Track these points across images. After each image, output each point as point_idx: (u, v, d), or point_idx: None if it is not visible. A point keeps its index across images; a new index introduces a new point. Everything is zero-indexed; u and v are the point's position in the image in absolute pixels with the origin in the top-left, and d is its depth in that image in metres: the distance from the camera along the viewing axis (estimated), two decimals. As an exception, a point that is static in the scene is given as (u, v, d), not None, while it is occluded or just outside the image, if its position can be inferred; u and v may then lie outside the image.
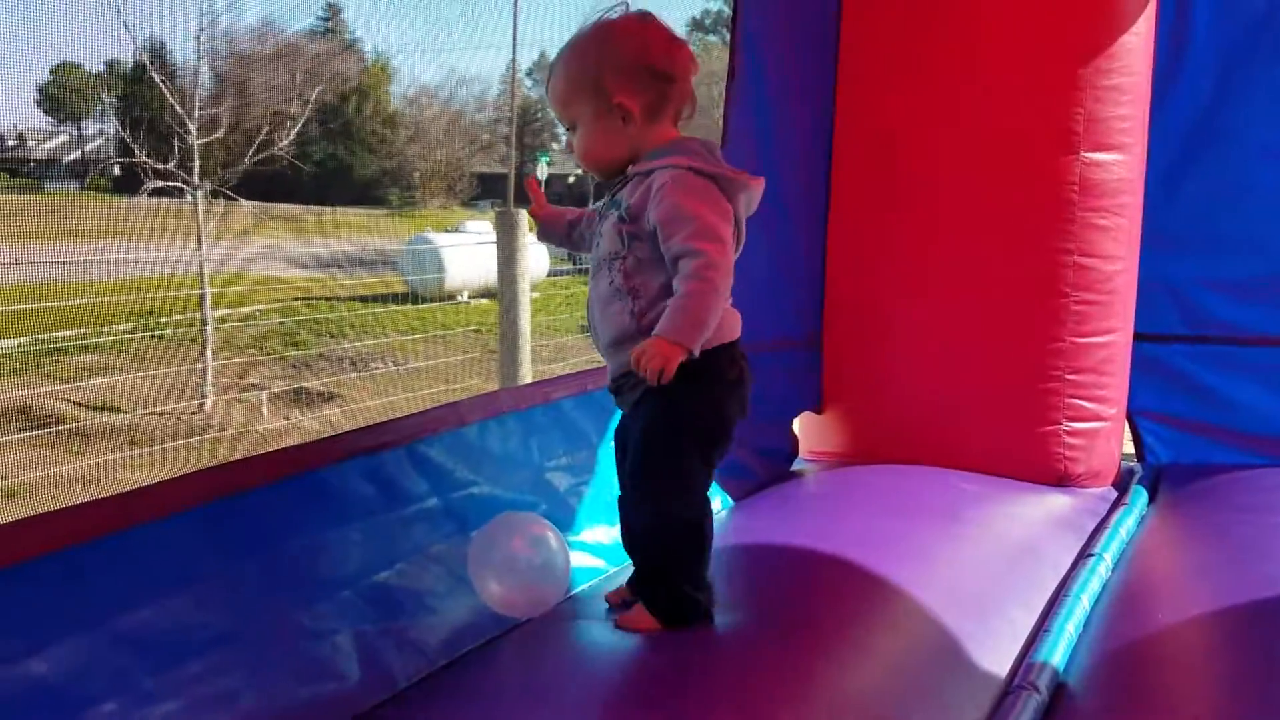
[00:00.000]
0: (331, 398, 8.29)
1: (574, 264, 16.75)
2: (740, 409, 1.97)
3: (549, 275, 14.86)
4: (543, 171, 30.71)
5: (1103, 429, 3.29)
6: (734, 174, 1.89)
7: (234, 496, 1.77)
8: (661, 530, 1.94)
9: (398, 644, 1.93)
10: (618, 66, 1.87)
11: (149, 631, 1.59)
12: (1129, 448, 3.72)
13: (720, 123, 3.11)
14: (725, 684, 1.82)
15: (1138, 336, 3.50)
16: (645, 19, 1.92)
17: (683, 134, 1.97)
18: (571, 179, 44.87)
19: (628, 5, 1.94)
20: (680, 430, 1.90)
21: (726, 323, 1.91)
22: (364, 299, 9.90)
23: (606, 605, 2.11)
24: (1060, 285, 3.17)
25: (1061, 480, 3.25)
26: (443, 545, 2.14)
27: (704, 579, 1.97)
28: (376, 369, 9.10)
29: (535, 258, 8.62)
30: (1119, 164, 3.17)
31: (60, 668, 1.48)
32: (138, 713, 1.53)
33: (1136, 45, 3.18)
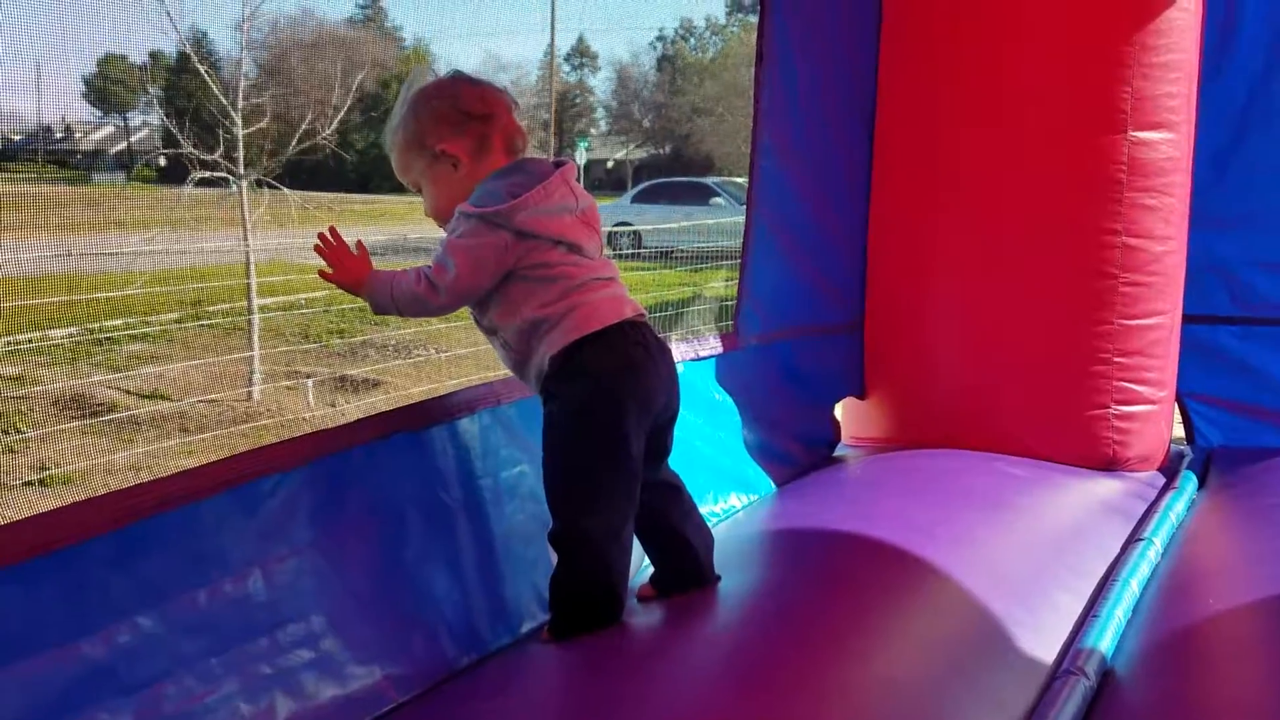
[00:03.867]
0: (375, 385, 8.36)
1: (613, 249, 16.80)
2: (641, 394, 1.93)
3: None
4: (581, 157, 30.73)
5: (1151, 412, 3.25)
6: (506, 207, 1.88)
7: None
8: (560, 536, 1.95)
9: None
10: (435, 119, 1.98)
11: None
12: (1179, 431, 3.68)
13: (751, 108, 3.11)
14: (768, 668, 1.82)
15: (1187, 318, 3.46)
16: (454, 75, 2.05)
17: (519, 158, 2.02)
18: (610, 163, 44.86)
19: (435, 71, 2.08)
20: (569, 434, 1.92)
21: (581, 315, 1.91)
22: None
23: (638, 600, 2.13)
24: (1108, 267, 3.13)
25: (1110, 464, 3.21)
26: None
27: (607, 586, 1.95)
28: (419, 356, 9.17)
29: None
30: (1167, 143, 3.12)
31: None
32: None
33: (1184, 22, 3.12)
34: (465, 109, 1.98)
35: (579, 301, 1.92)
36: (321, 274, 1.99)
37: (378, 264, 2.03)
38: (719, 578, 2.15)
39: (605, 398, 1.90)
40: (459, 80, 2.04)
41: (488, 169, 1.98)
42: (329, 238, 1.98)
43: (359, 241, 2.01)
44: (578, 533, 1.93)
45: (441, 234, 2.00)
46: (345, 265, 1.97)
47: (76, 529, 1.49)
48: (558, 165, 2.00)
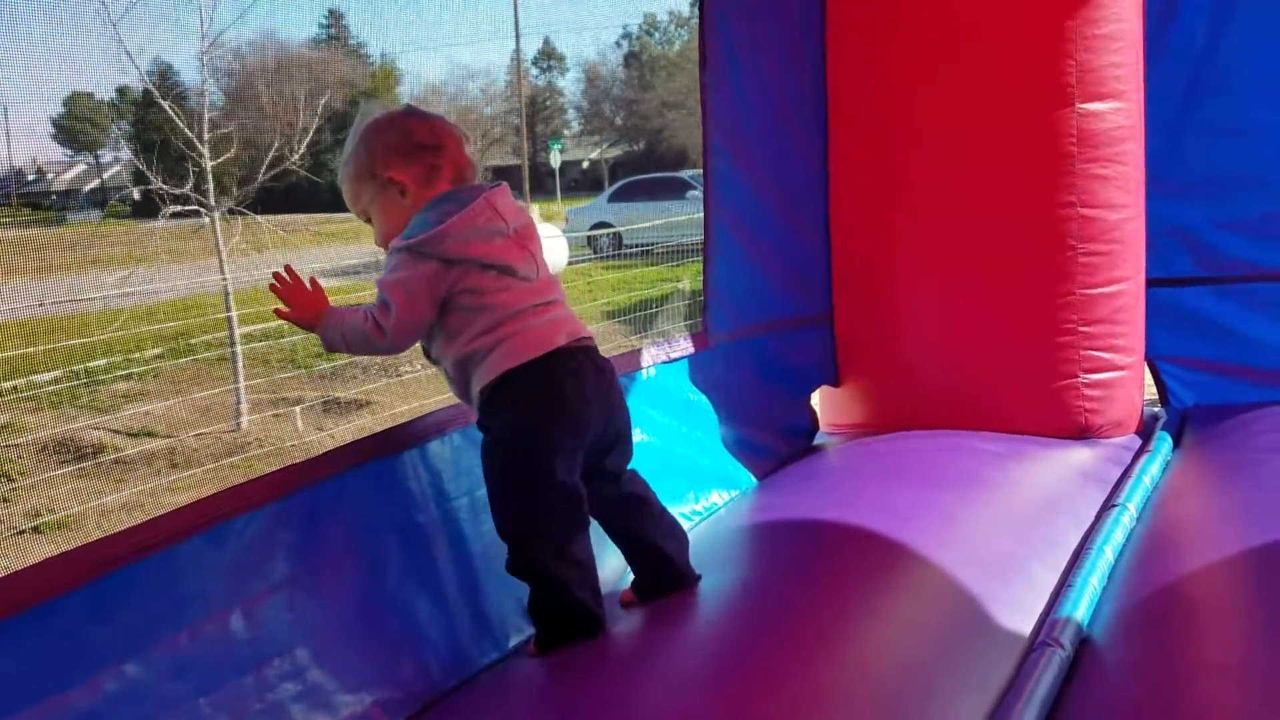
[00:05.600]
0: (363, 405, 8.38)
1: (594, 251, 16.81)
2: (571, 420, 1.96)
3: (569, 264, 14.91)
4: (555, 158, 30.72)
5: (1121, 378, 3.29)
6: (431, 234, 1.91)
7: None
8: (512, 563, 1.99)
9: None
10: (386, 149, 2.01)
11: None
12: (1152, 394, 3.73)
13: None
14: (753, 662, 1.86)
15: (1152, 282, 3.50)
16: (406, 109, 2.09)
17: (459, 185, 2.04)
18: (585, 164, 44.85)
19: (387, 106, 2.11)
20: (500, 464, 1.96)
21: (510, 347, 1.93)
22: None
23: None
24: (1066, 239, 3.17)
25: (1083, 433, 3.26)
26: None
27: (571, 602, 1.99)
28: (405, 373, 9.19)
29: (554, 249, 8.66)
30: (1116, 112, 3.16)
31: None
32: None
33: (1125, -8, 3.16)
34: (416, 140, 2.01)
35: (509, 333, 1.94)
36: (277, 312, 2.02)
37: (356, 282, 2.05)
38: (699, 577, 2.18)
39: (528, 429, 1.94)
40: (411, 114, 2.07)
41: (430, 199, 2.00)
42: (284, 275, 2.00)
43: (313, 278, 2.04)
44: (525, 558, 1.97)
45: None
46: (301, 302, 2.00)
47: (54, 583, 1.51)
48: (492, 189, 2.02)
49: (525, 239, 2.01)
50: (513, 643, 2.16)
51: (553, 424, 1.94)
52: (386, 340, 1.95)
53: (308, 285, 2.01)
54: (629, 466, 2.13)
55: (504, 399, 1.94)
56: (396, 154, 2.00)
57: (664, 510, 2.18)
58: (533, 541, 1.96)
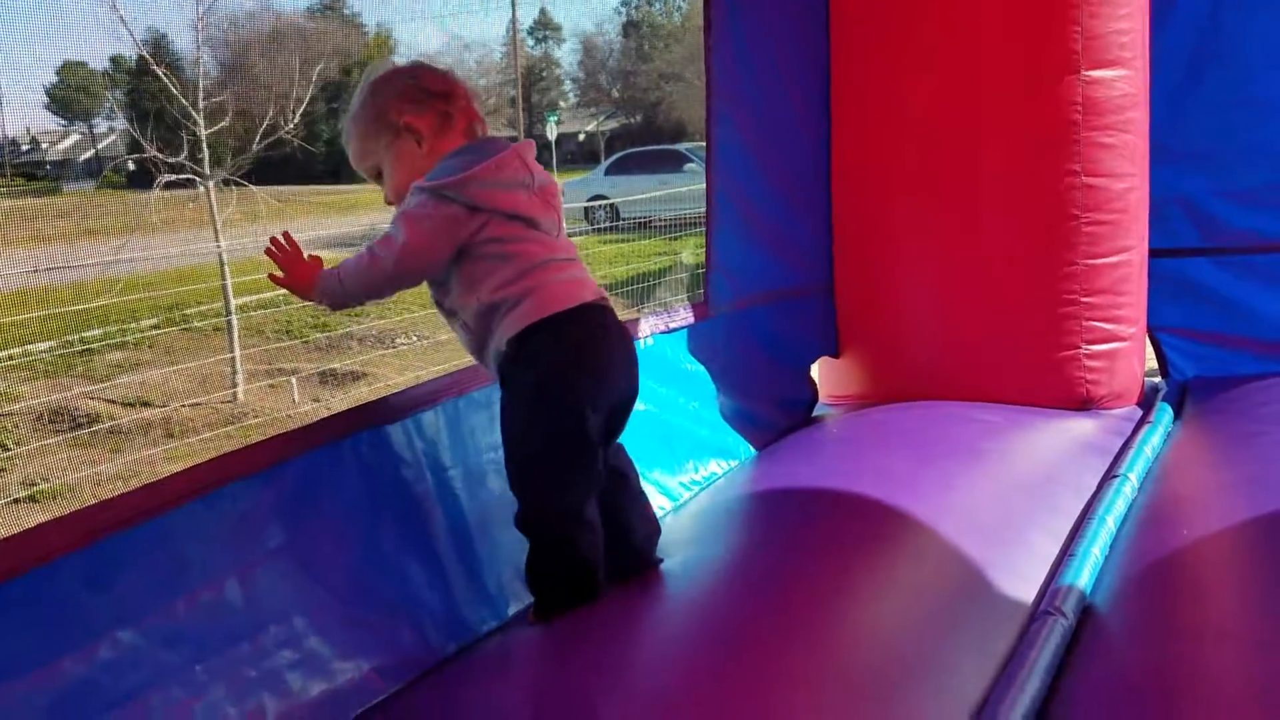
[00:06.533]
0: (359, 377, 8.36)
1: (590, 223, 16.75)
2: (599, 376, 1.93)
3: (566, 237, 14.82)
4: (552, 130, 30.53)
5: (1123, 349, 3.27)
6: (457, 179, 1.88)
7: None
8: (528, 514, 1.96)
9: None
10: (398, 96, 1.97)
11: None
12: (1154, 365, 3.71)
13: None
14: (753, 629, 1.85)
15: (1154, 253, 3.47)
16: (414, 62, 2.06)
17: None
18: (582, 136, 44.62)
19: (394, 61, 2.07)
20: (526, 416, 1.92)
21: (539, 299, 1.90)
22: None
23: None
24: (1070, 208, 3.14)
25: (1084, 404, 3.24)
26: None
27: (579, 561, 1.96)
28: (402, 344, 9.16)
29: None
30: (1122, 80, 3.12)
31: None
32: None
33: (1131, -43, 3.12)
34: (427, 87, 1.98)
35: (537, 284, 1.91)
36: (272, 277, 1.99)
37: (348, 253, 2.02)
38: (660, 561, 2.14)
39: (561, 381, 1.90)
40: (419, 65, 2.04)
41: (448, 148, 1.96)
42: (281, 242, 1.97)
43: (314, 255, 2.00)
44: (540, 514, 1.94)
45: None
46: (296, 270, 1.97)
47: (47, 549, 1.49)
48: (521, 143, 1.98)
49: (549, 196, 1.98)
50: (512, 610, 2.15)
51: (585, 377, 1.90)
52: (386, 268, 1.88)
53: (305, 255, 1.97)
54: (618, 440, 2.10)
55: (534, 349, 1.89)
56: (409, 100, 1.96)
57: (642, 492, 2.15)
58: (548, 497, 1.92)
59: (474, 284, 1.92)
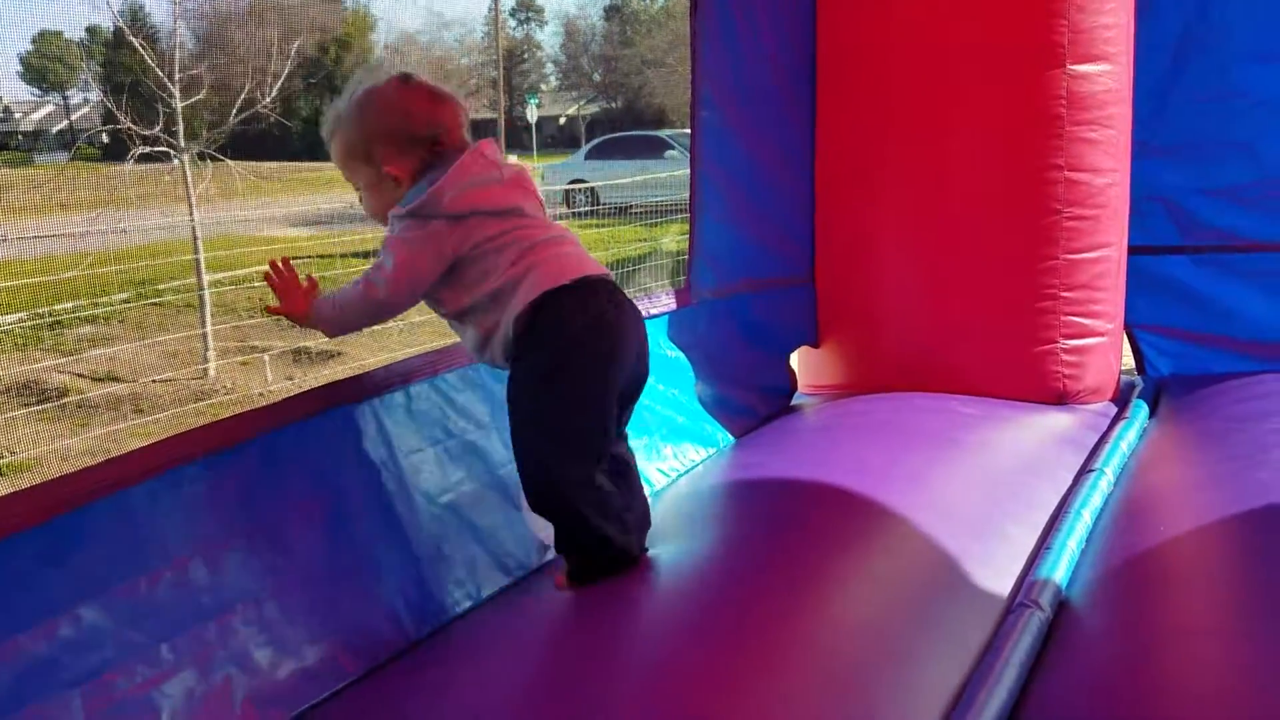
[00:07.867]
0: (332, 356, 8.28)
1: (569, 207, 16.68)
2: (615, 351, 1.91)
3: (545, 219, 14.73)
4: (532, 113, 30.39)
5: (1100, 345, 3.28)
6: (427, 196, 1.87)
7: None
8: (543, 491, 1.93)
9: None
10: (384, 138, 1.94)
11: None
12: (1130, 362, 3.72)
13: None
14: (723, 612, 1.84)
15: (1134, 249, 3.48)
16: (405, 82, 1.97)
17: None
18: (562, 120, 44.44)
19: (388, 71, 2.01)
20: (539, 391, 1.89)
21: (544, 272, 1.88)
22: (360, 255, 9.86)
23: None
24: (1051, 202, 3.14)
25: (1061, 398, 3.24)
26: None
27: (603, 531, 1.94)
28: (376, 325, 9.07)
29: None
30: (1106, 75, 3.12)
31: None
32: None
33: (1119, -48, 3.11)
34: (413, 132, 1.94)
35: (540, 259, 1.89)
36: (269, 308, 1.99)
37: (326, 232, 2.00)
38: (645, 550, 2.11)
39: (578, 351, 1.87)
40: (409, 90, 1.97)
41: (424, 177, 1.94)
42: (280, 268, 1.95)
43: (310, 276, 1.99)
44: (559, 491, 1.91)
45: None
46: (292, 297, 1.97)
47: (4, 522, 1.45)
48: (479, 142, 1.97)
49: (522, 181, 1.97)
50: (486, 592, 2.12)
51: (601, 346, 1.88)
52: (380, 294, 1.90)
53: (302, 281, 1.96)
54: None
55: (545, 321, 1.86)
56: (394, 145, 1.93)
57: (640, 484, 2.13)
58: (556, 469, 1.88)
59: (473, 282, 1.91)
